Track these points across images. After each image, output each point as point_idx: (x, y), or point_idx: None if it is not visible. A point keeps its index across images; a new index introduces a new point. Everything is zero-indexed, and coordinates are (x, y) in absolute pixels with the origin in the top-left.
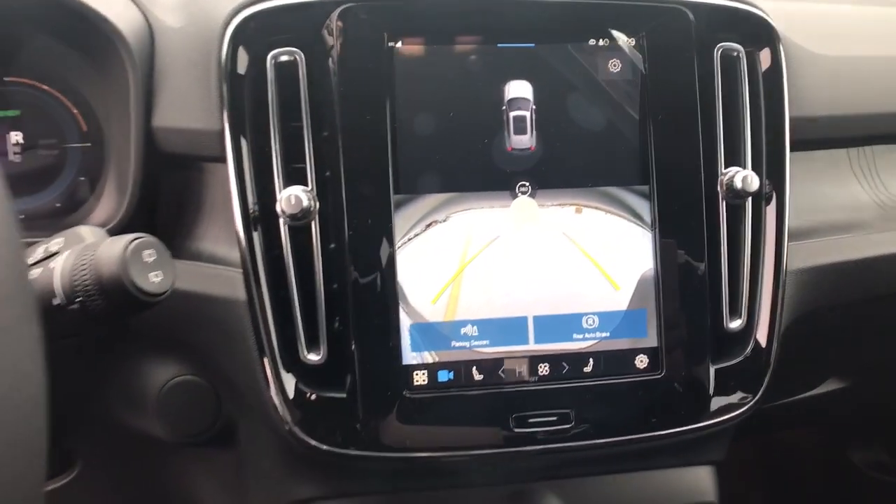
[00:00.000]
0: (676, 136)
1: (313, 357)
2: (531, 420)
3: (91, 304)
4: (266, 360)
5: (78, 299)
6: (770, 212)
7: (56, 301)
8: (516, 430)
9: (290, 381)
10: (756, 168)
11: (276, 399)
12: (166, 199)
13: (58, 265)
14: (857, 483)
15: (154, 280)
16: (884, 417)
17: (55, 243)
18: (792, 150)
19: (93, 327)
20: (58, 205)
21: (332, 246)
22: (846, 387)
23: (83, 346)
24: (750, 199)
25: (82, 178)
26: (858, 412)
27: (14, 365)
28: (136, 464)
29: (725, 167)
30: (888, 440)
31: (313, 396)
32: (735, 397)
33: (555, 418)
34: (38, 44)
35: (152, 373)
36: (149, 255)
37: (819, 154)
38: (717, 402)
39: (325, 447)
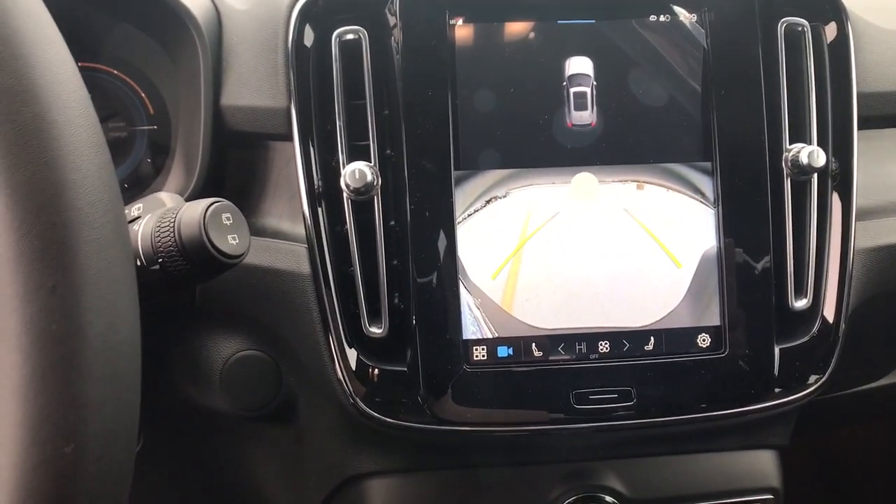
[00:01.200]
0: (740, 111)
1: (375, 331)
2: (592, 397)
3: (172, 266)
4: (330, 333)
5: (159, 260)
6: (837, 189)
7: (138, 263)
8: (577, 406)
9: (352, 354)
10: (822, 144)
11: (340, 371)
12: (232, 178)
13: (140, 228)
14: None
15: (232, 242)
16: None
17: (135, 209)
18: (860, 127)
19: (172, 289)
20: (126, 185)
21: (394, 222)
22: None
23: (155, 316)
24: (816, 175)
25: (149, 160)
26: None
27: (114, 305)
28: (196, 440)
29: (790, 143)
30: None
31: (375, 370)
32: (801, 378)
33: (616, 395)
34: (110, 28)
35: (217, 347)
36: (226, 219)
37: (888, 132)
38: (781, 383)
39: (386, 419)
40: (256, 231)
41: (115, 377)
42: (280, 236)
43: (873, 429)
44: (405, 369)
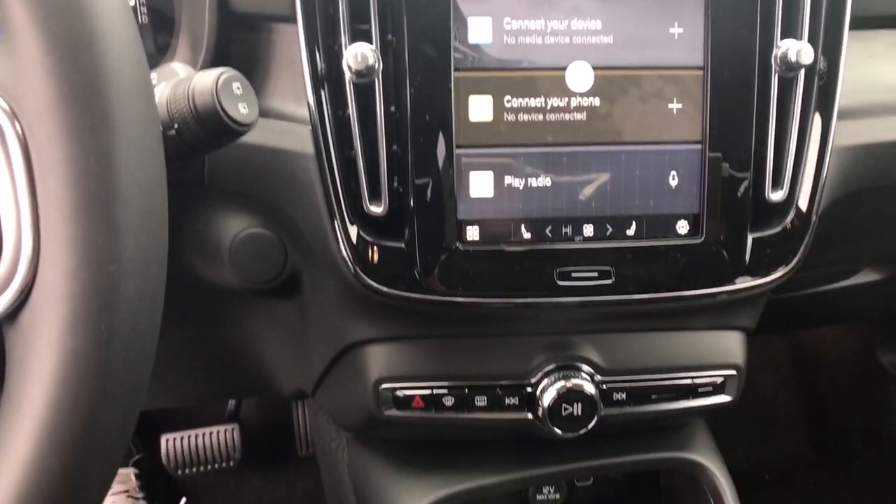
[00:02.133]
0: (732, 6)
1: (375, 209)
2: (574, 274)
3: (187, 131)
4: (333, 211)
5: (175, 126)
6: (821, 86)
7: None
8: (560, 283)
9: (353, 230)
10: (812, 41)
11: (342, 247)
12: (236, 60)
13: (157, 94)
14: (886, 384)
15: (242, 111)
16: None
17: (152, 77)
18: (853, 27)
19: (186, 155)
20: None
21: (394, 108)
22: (882, 279)
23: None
24: (802, 71)
25: (154, 40)
26: (892, 310)
27: (144, 148)
28: (206, 315)
29: (781, 39)
30: None
31: (375, 245)
32: (770, 265)
33: (596, 274)
34: None
35: (225, 225)
36: (237, 88)
37: (881, 35)
38: (752, 269)
39: (385, 290)
40: (261, 112)
41: (148, 211)
42: (284, 117)
43: (840, 338)
44: (403, 246)
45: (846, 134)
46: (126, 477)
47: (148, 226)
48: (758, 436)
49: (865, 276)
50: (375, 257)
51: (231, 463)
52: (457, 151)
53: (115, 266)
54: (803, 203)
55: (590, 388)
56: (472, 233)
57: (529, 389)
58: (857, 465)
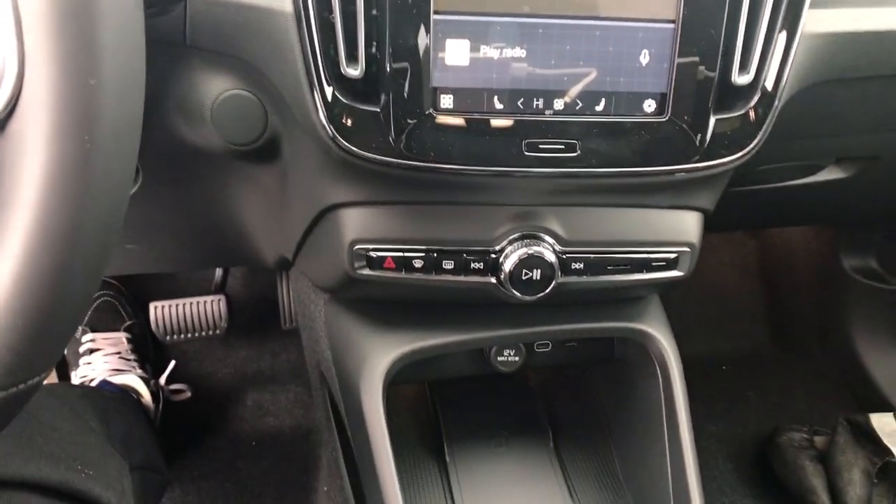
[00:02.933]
0: None
1: (352, 72)
2: (541, 146)
3: None
4: (311, 70)
5: None
6: None
7: None
8: (527, 153)
9: (329, 91)
10: None
11: (319, 107)
12: None
13: None
14: (846, 287)
15: None
16: (878, 221)
17: None
18: None
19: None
20: None
21: None
22: (846, 178)
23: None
24: None
25: None
26: (855, 211)
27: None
28: (189, 179)
29: None
30: (879, 249)
31: (351, 108)
32: (731, 146)
33: (563, 147)
34: None
35: (207, 86)
36: None
37: None
38: (712, 149)
39: (360, 152)
40: None
41: (126, 33)
42: None
43: (806, 240)
44: (378, 110)
45: (816, 22)
46: (118, 340)
47: (126, 47)
48: (721, 330)
49: (830, 174)
50: (351, 120)
51: (217, 332)
52: (434, 17)
53: (95, 80)
54: (768, 86)
55: (550, 257)
56: (447, 101)
57: (494, 255)
58: (808, 360)
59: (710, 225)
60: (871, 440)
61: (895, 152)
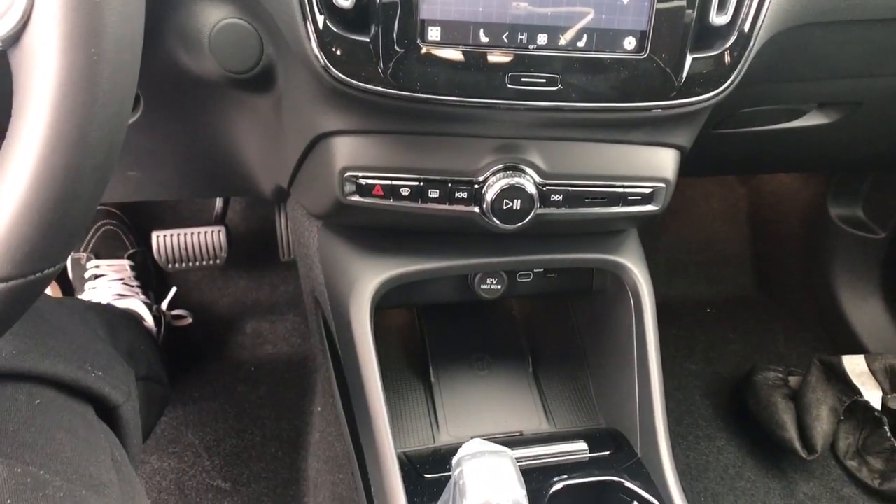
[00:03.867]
0: None
1: (343, 2)
2: (524, 79)
3: None
4: (303, 1)
5: None
6: None
7: None
8: (510, 86)
9: (321, 19)
10: None
11: (312, 36)
12: None
13: None
14: (832, 235)
15: None
16: (864, 170)
17: None
18: None
19: None
20: None
21: None
22: (828, 123)
23: None
24: None
25: None
26: (839, 158)
27: None
28: (189, 107)
29: None
30: (866, 199)
31: (342, 38)
32: (706, 84)
33: (544, 81)
34: None
35: (205, 14)
36: None
37: None
38: (688, 86)
39: (350, 81)
40: None
41: None
42: None
43: (795, 188)
44: (367, 40)
45: None
46: (122, 267)
47: None
48: (708, 274)
49: (812, 119)
50: (341, 50)
51: (217, 262)
52: None
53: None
54: (745, 29)
55: (530, 188)
56: (434, 33)
57: (477, 186)
58: (790, 305)
59: (697, 168)
60: (841, 380)
61: (877, 97)
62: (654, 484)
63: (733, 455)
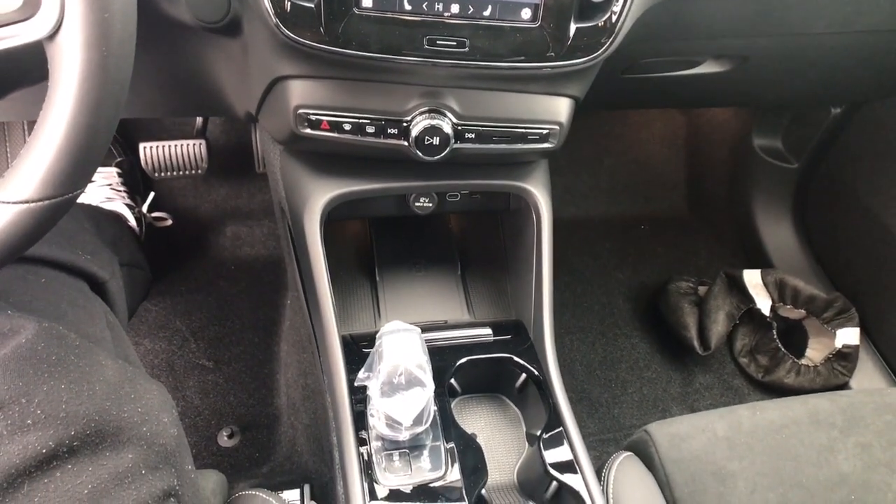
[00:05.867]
0: None
1: None
2: (438, 42)
3: None
4: None
5: None
6: None
7: None
8: (427, 46)
9: None
10: None
11: (266, 1)
12: None
13: None
14: (754, 163)
15: None
16: (778, 109)
17: None
18: None
19: None
20: None
21: None
22: (722, 71)
23: None
24: None
25: None
26: (737, 98)
27: None
28: (169, 47)
29: None
30: (785, 132)
31: (291, 3)
32: (587, 49)
33: (455, 43)
34: None
35: None
36: None
37: None
38: (571, 50)
39: (298, 38)
40: None
41: None
42: None
43: (727, 122)
44: (312, 6)
45: None
46: (110, 174)
47: None
48: (645, 194)
49: (707, 68)
50: (291, 13)
51: (199, 171)
52: None
53: (108, 14)
54: (617, 6)
55: (447, 128)
56: (367, 1)
57: (405, 124)
58: (715, 225)
59: (618, 104)
60: (740, 290)
61: (760, 54)
62: (539, 361)
63: (644, 350)
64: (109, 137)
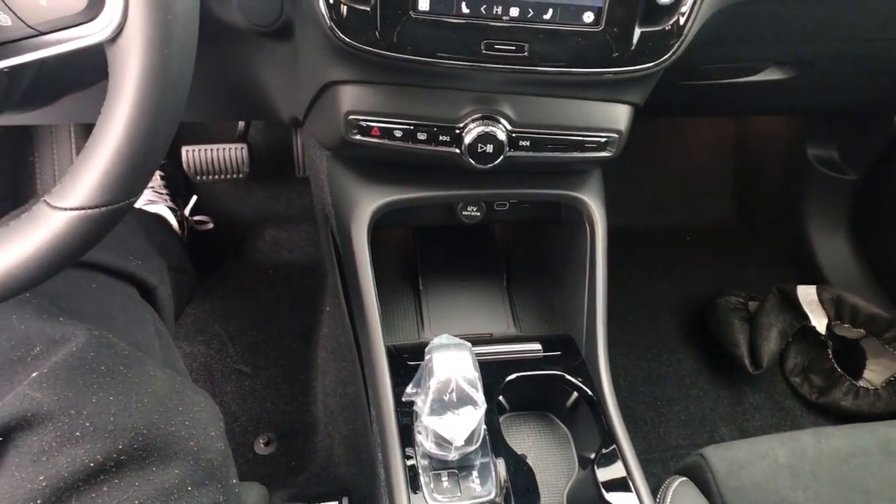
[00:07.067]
0: None
1: None
2: (497, 46)
3: None
4: None
5: None
6: None
7: None
8: (485, 51)
9: None
10: None
11: (322, 4)
12: None
13: None
14: (808, 174)
15: None
16: (835, 117)
17: None
18: None
19: None
20: None
21: None
22: (784, 79)
23: None
24: None
25: None
26: (800, 106)
27: None
28: (224, 50)
29: None
30: (841, 142)
31: (347, 6)
32: (651, 55)
33: (514, 48)
34: None
35: None
36: None
37: None
38: (635, 55)
39: (353, 42)
40: None
41: None
42: None
43: (778, 130)
44: (368, 9)
45: None
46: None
47: None
48: (692, 204)
49: (769, 75)
50: (346, 16)
51: (240, 175)
52: None
53: (171, 16)
54: (686, 9)
55: (501, 135)
56: (424, 4)
57: (457, 131)
58: (764, 237)
59: (672, 111)
60: (793, 307)
61: (827, 60)
62: (591, 378)
63: (691, 367)
64: (168, 142)
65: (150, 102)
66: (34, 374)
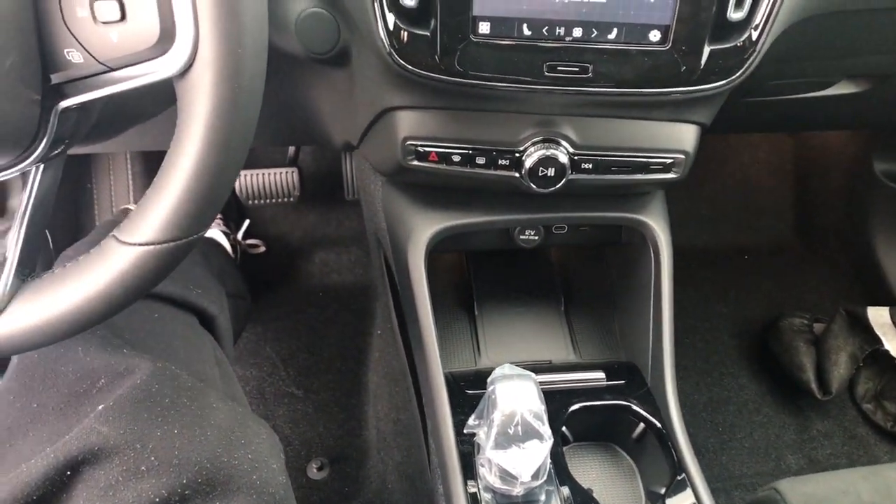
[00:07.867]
0: None
1: (408, 2)
2: (560, 68)
3: None
4: (374, 1)
5: None
6: None
7: None
8: (548, 73)
9: (391, 18)
10: None
11: (381, 30)
12: None
13: None
14: (874, 189)
15: None
16: None
17: None
18: None
19: None
20: None
21: None
22: (856, 92)
23: None
24: None
25: None
26: (872, 120)
27: None
28: (277, 78)
29: None
30: None
31: (406, 31)
32: (721, 73)
33: (577, 69)
34: None
35: (292, 4)
36: None
37: None
38: (705, 74)
39: (412, 68)
40: None
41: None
42: None
43: (841, 142)
44: (428, 34)
45: None
46: None
47: (258, 25)
48: (749, 222)
49: (841, 89)
50: (406, 41)
51: (291, 199)
52: None
53: (242, 49)
54: (759, 24)
55: (563, 158)
56: (484, 27)
57: (518, 155)
58: (827, 256)
59: (733, 128)
60: (864, 329)
61: None
62: (658, 409)
63: (753, 392)
64: (236, 176)
65: (220, 137)
66: (100, 407)
